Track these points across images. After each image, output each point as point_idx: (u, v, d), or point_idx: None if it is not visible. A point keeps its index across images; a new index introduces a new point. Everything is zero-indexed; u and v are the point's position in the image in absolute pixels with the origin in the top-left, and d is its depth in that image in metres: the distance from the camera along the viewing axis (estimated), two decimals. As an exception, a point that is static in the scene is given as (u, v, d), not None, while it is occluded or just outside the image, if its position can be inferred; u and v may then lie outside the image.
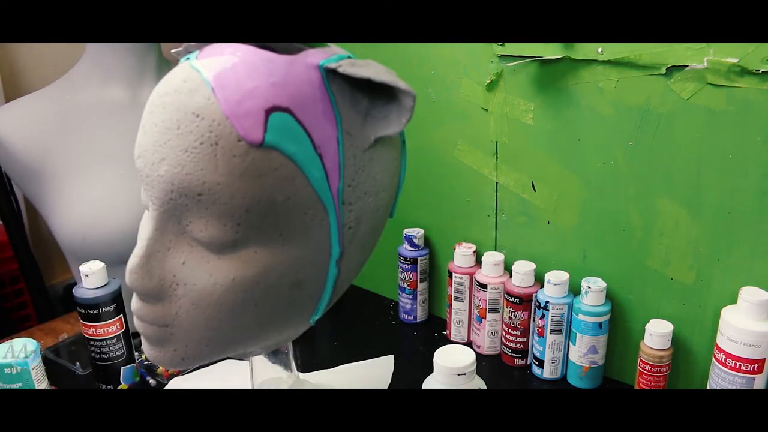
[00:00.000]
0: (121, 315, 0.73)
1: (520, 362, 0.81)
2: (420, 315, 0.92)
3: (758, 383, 0.62)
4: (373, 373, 0.79)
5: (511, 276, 0.79)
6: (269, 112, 0.42)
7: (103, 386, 0.76)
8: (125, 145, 0.83)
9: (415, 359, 0.83)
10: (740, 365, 0.62)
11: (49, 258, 1.08)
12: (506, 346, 0.81)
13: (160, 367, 0.79)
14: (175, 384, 0.77)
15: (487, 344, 0.83)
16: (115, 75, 0.86)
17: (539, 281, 0.78)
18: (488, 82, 0.77)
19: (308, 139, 0.44)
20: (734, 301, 0.64)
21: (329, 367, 0.79)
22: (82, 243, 0.82)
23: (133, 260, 0.46)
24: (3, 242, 0.99)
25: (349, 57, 0.47)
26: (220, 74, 0.43)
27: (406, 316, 0.93)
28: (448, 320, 0.87)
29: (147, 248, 0.46)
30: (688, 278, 0.69)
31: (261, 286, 0.47)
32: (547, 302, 0.74)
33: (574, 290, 0.76)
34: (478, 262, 0.83)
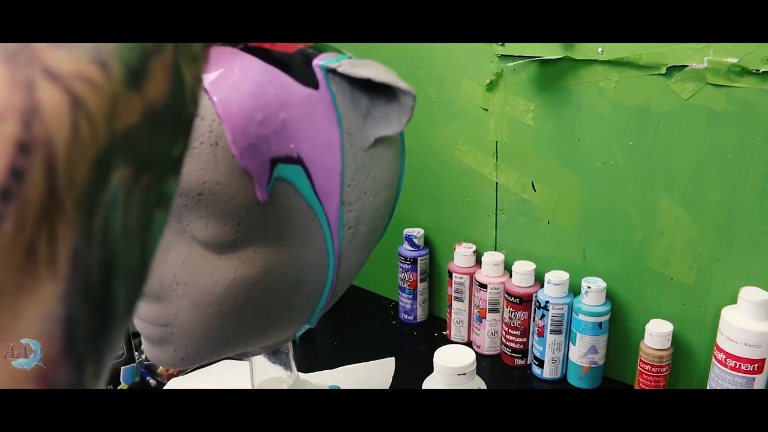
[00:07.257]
0: (121, 315, 0.73)
1: (520, 362, 0.81)
2: (420, 315, 0.92)
3: (758, 383, 0.62)
4: (373, 374, 0.79)
5: (511, 276, 0.79)
6: (277, 162, 0.43)
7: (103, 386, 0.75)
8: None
9: (415, 359, 0.82)
10: (740, 365, 0.62)
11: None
12: (506, 346, 0.81)
13: (160, 367, 0.79)
14: (174, 384, 0.77)
15: (487, 344, 0.83)
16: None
17: (539, 281, 0.78)
18: (488, 82, 0.77)
19: (311, 189, 0.44)
20: (734, 301, 0.64)
21: (329, 367, 0.79)
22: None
23: (133, 260, 0.46)
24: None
25: (350, 57, 0.47)
26: (221, 92, 0.42)
27: (406, 316, 0.93)
28: (448, 320, 0.87)
29: (147, 248, 0.46)
30: (688, 278, 0.69)
31: (261, 286, 0.47)
32: (547, 302, 0.74)
33: (574, 290, 0.76)
34: (478, 262, 0.83)
